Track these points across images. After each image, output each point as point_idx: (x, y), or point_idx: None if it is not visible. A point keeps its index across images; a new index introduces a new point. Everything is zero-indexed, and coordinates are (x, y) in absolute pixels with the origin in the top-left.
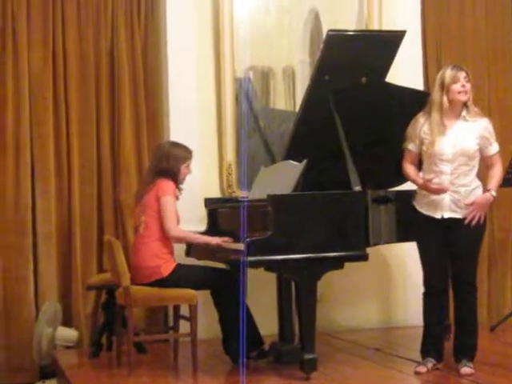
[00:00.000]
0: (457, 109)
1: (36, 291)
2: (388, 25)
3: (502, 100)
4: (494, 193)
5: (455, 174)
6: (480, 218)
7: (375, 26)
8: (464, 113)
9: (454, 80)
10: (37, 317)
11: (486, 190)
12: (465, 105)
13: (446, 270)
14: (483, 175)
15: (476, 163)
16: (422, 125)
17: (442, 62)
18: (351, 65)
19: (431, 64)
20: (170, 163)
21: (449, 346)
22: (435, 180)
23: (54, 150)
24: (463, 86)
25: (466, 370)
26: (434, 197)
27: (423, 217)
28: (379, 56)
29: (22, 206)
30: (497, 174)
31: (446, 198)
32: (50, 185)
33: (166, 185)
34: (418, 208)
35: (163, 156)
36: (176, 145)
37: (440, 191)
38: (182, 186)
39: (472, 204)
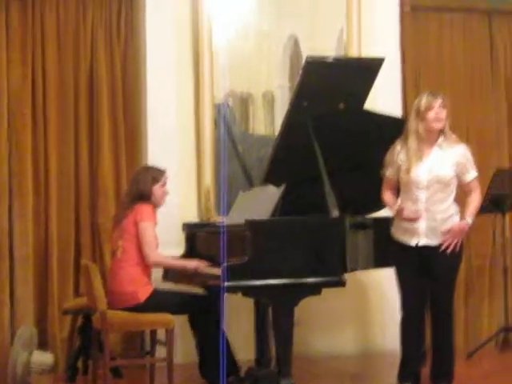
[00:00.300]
0: (433, 136)
1: (12, 315)
2: (367, 52)
3: (480, 127)
4: (469, 220)
5: (431, 200)
6: (456, 245)
7: (354, 53)
8: (440, 140)
9: (429, 107)
10: (12, 341)
11: (462, 217)
12: (441, 132)
13: (424, 296)
14: (462, 202)
15: (452, 190)
16: (398, 152)
17: (420, 89)
18: (330, 91)
19: (410, 91)
20: (140, 187)
21: (426, 372)
22: (412, 207)
23: (31, 170)
24: (437, 113)
25: None
26: (411, 224)
27: (400, 243)
28: (358, 83)
29: None
30: (474, 201)
31: (422, 225)
32: (27, 207)
33: (145, 210)
34: (395, 234)
35: (134, 180)
36: (147, 168)
37: (412, 219)
38: (161, 208)
39: (448, 231)
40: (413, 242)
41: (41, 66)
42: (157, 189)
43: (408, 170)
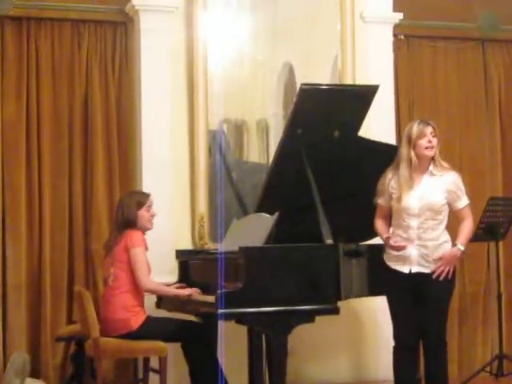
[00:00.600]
0: (424, 163)
1: (4, 341)
2: (361, 79)
3: (474, 155)
4: (461, 247)
5: (422, 228)
6: (448, 272)
7: (349, 81)
8: (431, 167)
9: (421, 135)
10: (4, 368)
11: (454, 244)
12: (432, 159)
13: (416, 324)
14: (454, 229)
15: (444, 217)
16: (390, 179)
17: (414, 117)
18: (324, 118)
19: (404, 119)
20: (125, 213)
21: None
22: (404, 235)
23: (25, 199)
24: (429, 141)
25: None
26: (402, 252)
27: (392, 270)
28: (352, 110)
29: None
30: (466, 227)
31: (413, 252)
32: (20, 235)
33: (135, 236)
34: (388, 262)
35: (119, 208)
36: (131, 194)
37: (398, 248)
38: (155, 235)
39: (440, 259)
40: (406, 269)
41: (35, 97)
42: (142, 213)
43: (399, 198)
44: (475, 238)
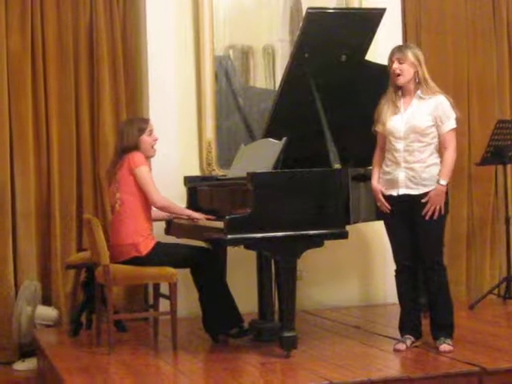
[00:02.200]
0: (408, 88)
1: (15, 270)
2: (368, 2)
3: (481, 78)
4: (443, 182)
5: (408, 151)
6: (440, 210)
7: (355, 4)
8: (419, 91)
9: (389, 62)
10: (16, 296)
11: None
12: (419, 83)
13: (413, 247)
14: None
15: (432, 140)
16: (382, 106)
17: (421, 39)
18: (331, 42)
19: (411, 42)
20: (127, 140)
21: (427, 323)
22: (392, 158)
23: (32, 128)
24: (394, 69)
25: (444, 347)
26: (391, 175)
27: (383, 195)
28: (359, 34)
29: (1, 186)
30: (447, 159)
31: (400, 175)
32: (28, 163)
33: (136, 156)
34: (381, 186)
35: (119, 135)
36: (130, 121)
37: (383, 208)
38: (163, 162)
39: (428, 201)
40: (394, 193)
41: (40, 26)
42: (144, 138)
43: (385, 122)
44: (483, 161)
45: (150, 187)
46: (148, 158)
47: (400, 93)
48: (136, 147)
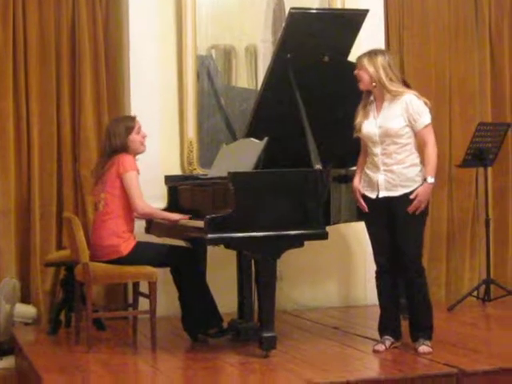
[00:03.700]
0: (377, 92)
1: None
2: (351, 4)
3: (463, 81)
4: (430, 180)
5: (385, 154)
6: (425, 207)
7: (338, 5)
8: (387, 95)
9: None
10: None
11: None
12: (385, 88)
13: (392, 248)
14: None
15: (407, 140)
16: (358, 111)
17: (404, 42)
18: (314, 43)
19: (393, 45)
20: (115, 141)
21: (407, 324)
22: (372, 162)
23: (13, 126)
24: (355, 75)
25: (423, 348)
26: (371, 176)
27: (363, 196)
28: (342, 35)
29: None
30: (429, 156)
31: (380, 178)
32: (9, 162)
33: (127, 160)
34: (361, 188)
35: (107, 136)
36: (116, 120)
37: (362, 208)
38: (144, 161)
39: (415, 197)
40: (373, 195)
41: (22, 25)
42: (133, 137)
43: (360, 128)
44: (463, 163)
45: (135, 195)
46: (138, 153)
47: (372, 97)
48: (125, 148)
